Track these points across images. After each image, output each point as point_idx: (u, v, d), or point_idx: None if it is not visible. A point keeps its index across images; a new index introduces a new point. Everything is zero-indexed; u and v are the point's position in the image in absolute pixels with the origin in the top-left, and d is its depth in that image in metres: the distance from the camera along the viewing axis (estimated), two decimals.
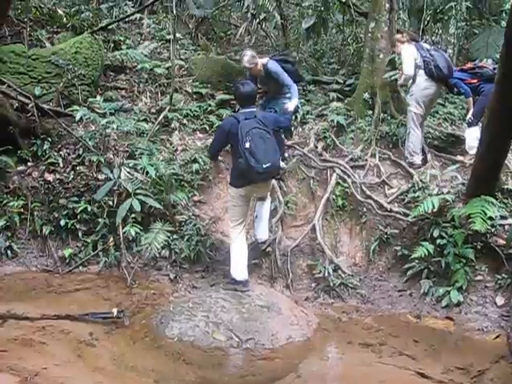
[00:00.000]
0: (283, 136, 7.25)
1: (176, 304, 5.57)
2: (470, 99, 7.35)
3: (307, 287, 6.44)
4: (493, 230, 6.02)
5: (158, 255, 6.52)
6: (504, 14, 10.81)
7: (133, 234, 6.36)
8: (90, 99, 7.63)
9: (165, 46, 9.94)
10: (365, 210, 6.86)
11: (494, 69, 6.66)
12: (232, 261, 5.80)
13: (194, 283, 6.42)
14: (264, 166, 5.28)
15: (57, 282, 6.31)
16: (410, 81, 7.24)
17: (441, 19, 11.12)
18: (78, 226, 6.73)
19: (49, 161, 6.98)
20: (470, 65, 7.58)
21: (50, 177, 6.89)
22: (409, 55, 7.26)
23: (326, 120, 8.18)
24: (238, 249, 5.77)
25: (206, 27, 11.93)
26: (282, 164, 6.80)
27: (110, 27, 9.28)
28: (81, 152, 7.05)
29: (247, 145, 5.27)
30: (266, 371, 4.74)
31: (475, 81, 7.26)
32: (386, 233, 6.59)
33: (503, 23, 10.13)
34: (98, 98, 7.46)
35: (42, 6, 9.31)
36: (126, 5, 10.37)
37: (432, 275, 6.16)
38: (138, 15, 10.17)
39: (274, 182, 6.69)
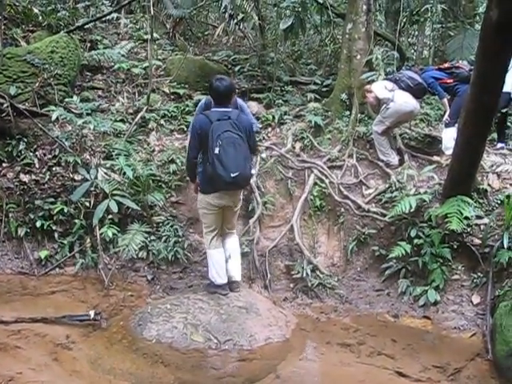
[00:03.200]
0: None
1: (154, 306, 5.53)
2: (445, 100, 7.42)
3: (285, 288, 6.44)
4: (469, 229, 6.07)
5: (135, 256, 6.48)
6: (478, 17, 10.98)
7: (110, 235, 6.32)
8: (67, 99, 7.55)
9: (142, 45, 9.91)
10: (342, 210, 6.88)
11: (470, 70, 6.74)
12: (210, 265, 5.65)
13: (172, 284, 6.42)
14: (232, 174, 5.00)
15: (32, 284, 6.25)
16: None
17: (417, 21, 11.26)
18: (54, 228, 6.67)
19: (24, 161, 6.90)
20: (447, 64, 7.65)
21: (25, 177, 6.81)
22: (379, 86, 7.38)
23: (304, 120, 8.20)
24: (215, 253, 5.58)
25: (184, 27, 11.88)
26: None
27: (86, 26, 9.21)
28: (57, 152, 6.99)
29: (216, 150, 4.98)
30: (245, 372, 4.73)
31: (451, 81, 7.33)
32: (364, 233, 6.61)
33: (477, 26, 10.27)
34: (75, 98, 7.38)
35: (17, 4, 9.18)
36: (102, 4, 10.30)
37: (409, 275, 6.21)
38: (115, 15, 10.09)
39: (251, 182, 6.69)
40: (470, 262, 6.05)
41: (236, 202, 5.61)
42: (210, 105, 5.62)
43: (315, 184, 7.13)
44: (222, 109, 5.29)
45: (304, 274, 6.32)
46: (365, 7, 8.26)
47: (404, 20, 10.73)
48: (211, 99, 5.57)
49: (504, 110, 7.54)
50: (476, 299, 5.83)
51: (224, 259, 5.63)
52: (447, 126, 7.29)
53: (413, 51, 12.73)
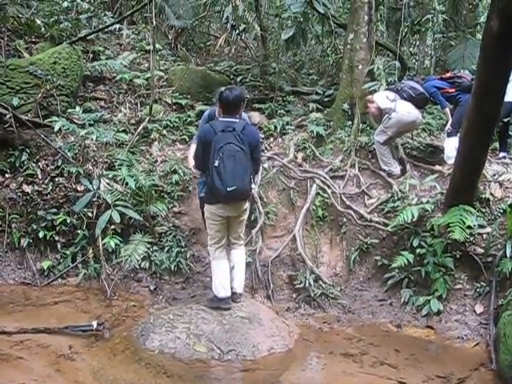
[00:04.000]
0: None
1: (156, 316, 5.52)
2: (447, 110, 7.43)
3: (288, 298, 6.44)
4: (471, 238, 6.07)
5: (137, 267, 6.49)
6: (479, 27, 11.02)
7: (112, 245, 6.32)
8: (69, 110, 7.56)
9: (144, 56, 9.94)
10: (345, 220, 6.88)
11: (472, 79, 6.75)
12: (214, 278, 5.56)
13: (175, 295, 6.42)
14: (228, 189, 4.95)
15: (35, 294, 6.26)
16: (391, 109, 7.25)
17: (418, 31, 11.29)
18: (56, 238, 6.70)
19: (27, 172, 6.93)
20: (449, 74, 7.67)
21: (28, 188, 6.83)
22: (381, 96, 7.40)
23: (306, 131, 8.22)
24: (219, 266, 5.51)
25: (186, 38, 11.95)
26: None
27: (89, 37, 9.27)
28: (60, 163, 7.01)
29: (216, 163, 4.95)
30: (248, 383, 4.73)
31: (453, 90, 7.34)
32: (366, 243, 6.61)
33: (478, 35, 10.31)
34: (77, 108, 7.39)
35: (20, 15, 9.22)
36: (105, 15, 10.34)
37: (412, 284, 6.20)
38: (117, 26, 10.15)
39: (254, 192, 6.69)
40: (473, 271, 6.04)
41: (240, 212, 5.51)
42: (214, 116, 5.62)
43: (317, 194, 7.13)
44: (229, 119, 5.23)
45: (307, 284, 6.31)
46: (366, 17, 8.29)
47: (405, 30, 10.78)
48: (215, 110, 5.59)
49: (506, 120, 7.55)
50: (479, 309, 5.81)
51: (228, 271, 5.55)
52: (449, 135, 7.29)
53: (414, 61, 12.77)
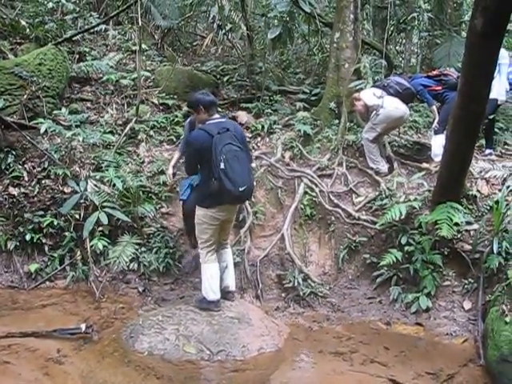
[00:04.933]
0: None
1: (145, 317, 5.50)
2: (434, 107, 7.46)
3: (277, 297, 6.43)
4: (459, 235, 6.09)
5: (126, 268, 6.47)
6: (464, 25, 11.10)
7: (100, 247, 6.30)
8: (55, 111, 7.51)
9: (131, 57, 9.89)
10: (333, 218, 6.88)
11: (458, 77, 6.78)
12: (204, 281, 5.53)
13: (164, 296, 6.39)
14: (240, 189, 5.01)
15: (23, 298, 6.22)
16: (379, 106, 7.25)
17: (404, 29, 11.36)
18: (44, 241, 6.66)
19: (13, 174, 6.88)
20: (436, 72, 7.70)
21: (14, 191, 6.79)
22: (368, 93, 7.41)
23: (293, 130, 8.21)
24: (210, 269, 5.48)
25: (172, 38, 11.90)
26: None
27: (74, 38, 9.23)
28: (46, 165, 6.97)
29: (222, 165, 4.93)
30: (238, 383, 4.71)
31: (440, 88, 7.37)
32: (355, 241, 6.62)
33: (464, 34, 10.38)
34: (63, 110, 7.35)
35: (4, 16, 9.17)
36: (90, 16, 10.28)
37: (401, 282, 6.22)
38: (103, 26, 10.09)
39: None
40: (461, 267, 6.07)
41: (234, 214, 5.69)
42: (194, 123, 5.62)
43: (305, 193, 7.13)
44: (218, 120, 5.28)
45: (295, 283, 6.30)
46: (352, 16, 8.31)
47: (391, 28, 10.83)
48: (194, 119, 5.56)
49: (491, 117, 7.59)
50: (467, 305, 5.85)
51: (219, 274, 5.54)
52: (436, 132, 7.32)
53: (400, 59, 12.81)
